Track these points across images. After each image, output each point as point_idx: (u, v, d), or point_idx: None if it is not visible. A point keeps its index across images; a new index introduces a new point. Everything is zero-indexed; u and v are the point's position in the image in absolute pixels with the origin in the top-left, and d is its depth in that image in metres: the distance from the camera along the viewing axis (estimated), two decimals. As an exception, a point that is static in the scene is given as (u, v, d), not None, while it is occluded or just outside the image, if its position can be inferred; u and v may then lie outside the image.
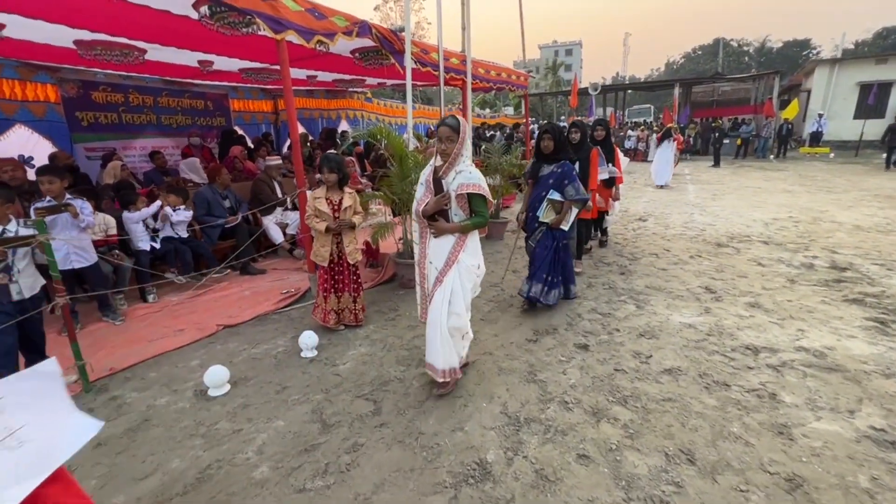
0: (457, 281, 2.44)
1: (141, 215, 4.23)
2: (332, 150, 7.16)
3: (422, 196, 2.49)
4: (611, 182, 5.18)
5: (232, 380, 2.79)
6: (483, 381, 2.74)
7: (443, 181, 2.41)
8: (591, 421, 2.32)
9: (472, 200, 2.41)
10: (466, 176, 2.37)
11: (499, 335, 3.37)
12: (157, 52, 5.27)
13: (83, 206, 3.36)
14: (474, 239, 2.51)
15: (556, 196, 3.54)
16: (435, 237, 2.45)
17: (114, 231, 4.05)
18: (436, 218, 2.43)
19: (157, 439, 2.30)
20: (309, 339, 3.09)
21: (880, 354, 2.93)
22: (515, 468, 2.02)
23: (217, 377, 2.66)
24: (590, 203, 4.35)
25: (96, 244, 3.79)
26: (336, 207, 3.36)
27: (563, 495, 1.88)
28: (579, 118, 6.43)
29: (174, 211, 4.49)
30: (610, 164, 5.06)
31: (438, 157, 2.45)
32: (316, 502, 1.89)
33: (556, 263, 3.65)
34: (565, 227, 3.59)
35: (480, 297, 4.13)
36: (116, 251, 3.96)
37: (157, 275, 4.09)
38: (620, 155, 5.72)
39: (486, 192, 2.40)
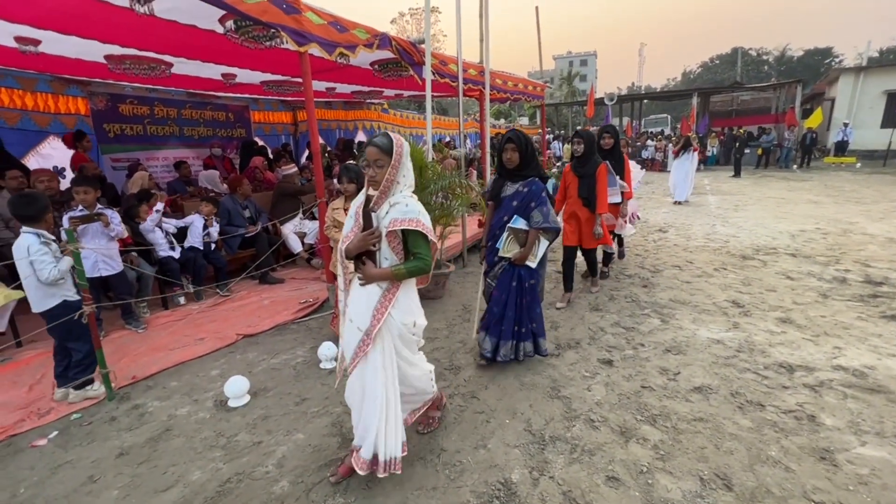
0: (388, 353, 1.89)
1: (153, 219, 4.30)
2: (352, 161, 7.22)
3: (348, 231, 1.90)
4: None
5: (252, 390, 2.78)
6: (505, 396, 2.68)
7: (373, 214, 1.85)
8: (619, 441, 2.24)
9: (410, 239, 1.85)
10: (402, 209, 1.82)
11: (520, 348, 3.30)
12: (183, 66, 5.41)
13: (113, 215, 3.44)
14: (408, 290, 1.94)
15: (519, 224, 2.81)
16: (361, 285, 1.86)
17: (125, 234, 4.14)
18: (363, 261, 1.84)
19: (178, 450, 2.29)
20: (328, 350, 3.07)
21: (925, 375, 2.78)
22: (542, 489, 1.95)
23: (237, 388, 2.65)
24: (599, 230, 3.91)
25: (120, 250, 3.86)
26: None
27: (593, 520, 1.80)
28: (589, 129, 5.49)
29: (206, 221, 4.63)
30: (620, 180, 4.52)
31: (370, 187, 1.89)
32: (337, 520, 1.84)
33: (519, 310, 2.88)
34: (532, 263, 2.82)
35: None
36: (133, 254, 4.02)
37: (176, 284, 4.16)
38: (632, 165, 5.20)
39: (428, 229, 1.84)
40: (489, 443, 2.26)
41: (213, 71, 5.85)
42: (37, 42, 4.06)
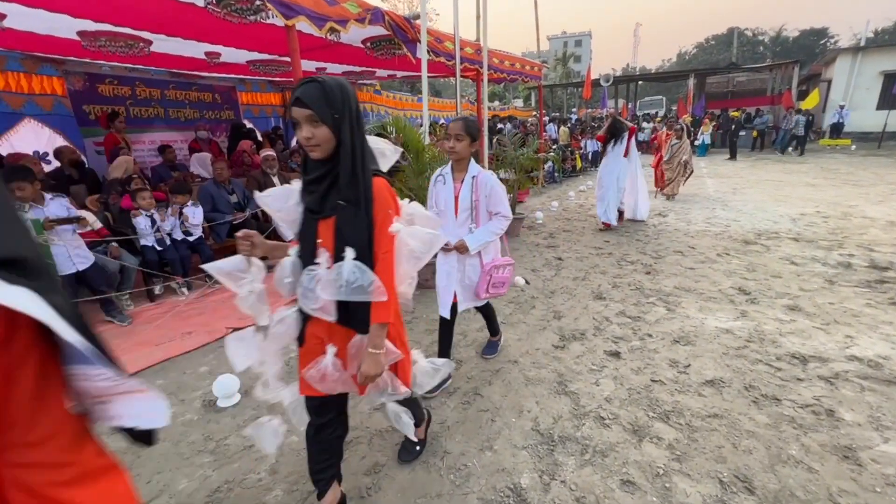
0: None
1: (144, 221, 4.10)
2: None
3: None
4: None
5: (242, 388, 2.64)
6: (510, 392, 2.55)
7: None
8: (632, 440, 2.13)
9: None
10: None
11: (522, 340, 3.17)
12: (163, 44, 5.10)
13: (62, 203, 3.24)
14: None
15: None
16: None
17: (98, 225, 3.92)
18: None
19: (163, 455, 2.15)
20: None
21: (941, 365, 2.69)
22: (553, 495, 1.83)
23: (226, 387, 2.50)
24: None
25: (90, 242, 3.66)
26: None
27: (609, 528, 1.69)
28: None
29: (183, 209, 4.36)
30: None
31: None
32: (335, 532, 1.72)
33: None
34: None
35: (500, 298, 3.95)
36: (114, 244, 3.81)
37: (155, 276, 3.97)
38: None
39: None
40: (495, 444, 2.14)
41: (195, 49, 5.55)
42: (1, 16, 3.77)
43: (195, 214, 4.39)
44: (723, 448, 2.05)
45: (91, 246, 3.61)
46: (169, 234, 4.24)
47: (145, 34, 4.72)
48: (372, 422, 2.33)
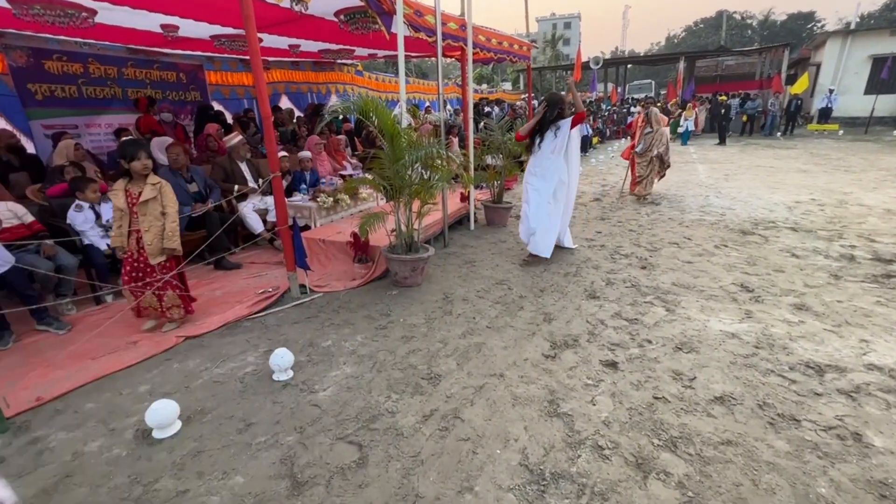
0: None
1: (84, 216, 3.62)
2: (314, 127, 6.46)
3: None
4: None
5: (185, 414, 2.27)
6: (495, 414, 2.23)
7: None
8: (635, 477, 1.82)
9: None
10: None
11: (509, 349, 2.85)
12: (109, 14, 4.55)
13: None
14: None
15: None
16: None
17: (30, 219, 3.46)
18: None
19: (77, 506, 1.78)
20: (282, 359, 2.55)
21: (968, 374, 2.45)
22: (545, 555, 1.52)
23: (163, 416, 2.12)
24: None
25: (19, 237, 3.20)
26: (134, 201, 2.96)
27: None
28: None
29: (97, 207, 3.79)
30: None
31: None
32: None
33: None
34: None
35: (485, 297, 3.62)
36: (48, 242, 3.35)
37: (101, 282, 3.54)
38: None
39: None
40: (476, 484, 1.81)
41: (149, 21, 5.00)
42: None
43: (107, 212, 3.80)
44: (741, 487, 1.76)
45: (19, 245, 3.16)
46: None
47: (86, 2, 4.18)
48: (333, 455, 1.99)
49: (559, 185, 4.22)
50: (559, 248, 4.66)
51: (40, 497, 1.82)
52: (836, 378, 2.45)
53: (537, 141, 4.21)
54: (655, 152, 6.75)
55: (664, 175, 7.21)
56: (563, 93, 4.29)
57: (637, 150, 6.96)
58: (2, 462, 2.02)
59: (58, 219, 3.72)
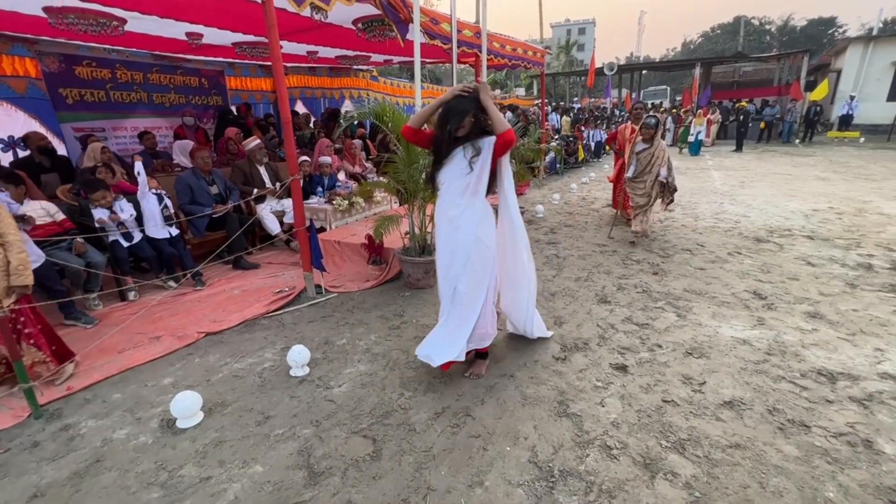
0: None
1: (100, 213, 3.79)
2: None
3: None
4: None
5: (206, 406, 2.36)
6: (505, 413, 2.28)
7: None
8: (643, 476, 1.86)
9: None
10: None
11: (520, 350, 2.90)
12: (139, 23, 4.74)
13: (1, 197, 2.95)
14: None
15: None
16: None
17: (61, 217, 3.62)
18: None
19: (106, 489, 1.87)
20: (299, 355, 2.64)
21: (985, 385, 2.42)
22: (553, 548, 1.57)
23: (187, 406, 2.22)
24: None
25: (51, 234, 3.36)
26: None
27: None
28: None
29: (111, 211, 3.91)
30: None
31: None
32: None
33: None
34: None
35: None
36: (79, 239, 3.51)
37: (136, 273, 3.67)
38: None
39: None
40: (487, 478, 1.87)
41: (175, 29, 5.19)
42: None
43: (124, 210, 3.93)
44: (748, 489, 1.78)
45: (51, 242, 3.32)
46: (142, 230, 3.94)
47: (118, 11, 4.37)
48: (348, 448, 2.06)
49: (476, 257, 2.39)
50: (568, 256, 4.68)
51: (74, 479, 1.92)
52: (849, 386, 2.44)
53: (438, 175, 2.41)
54: (655, 176, 4.90)
55: (672, 200, 5.25)
56: (476, 93, 2.29)
57: (629, 174, 5.06)
58: (36, 447, 2.14)
59: (86, 217, 3.88)
